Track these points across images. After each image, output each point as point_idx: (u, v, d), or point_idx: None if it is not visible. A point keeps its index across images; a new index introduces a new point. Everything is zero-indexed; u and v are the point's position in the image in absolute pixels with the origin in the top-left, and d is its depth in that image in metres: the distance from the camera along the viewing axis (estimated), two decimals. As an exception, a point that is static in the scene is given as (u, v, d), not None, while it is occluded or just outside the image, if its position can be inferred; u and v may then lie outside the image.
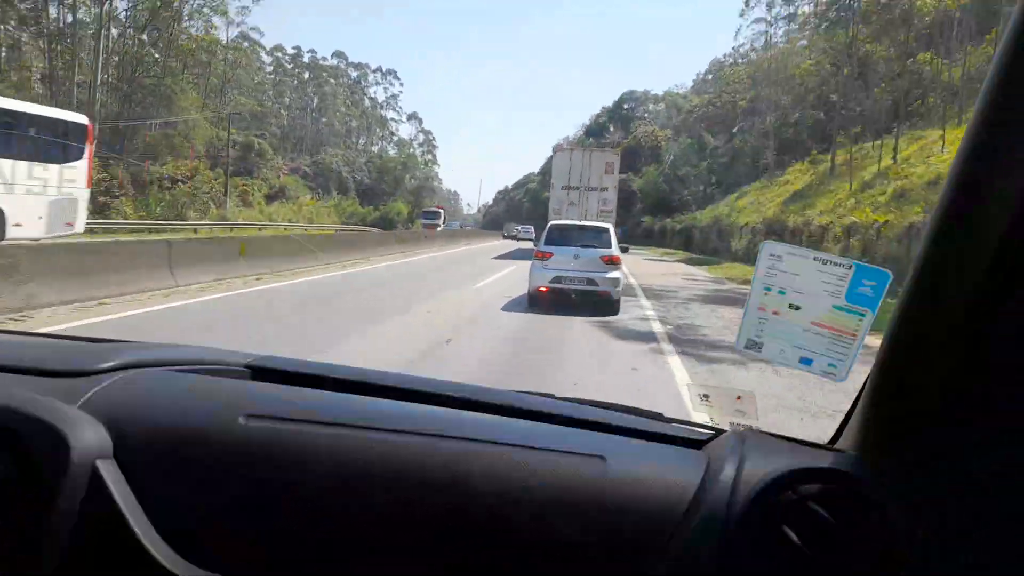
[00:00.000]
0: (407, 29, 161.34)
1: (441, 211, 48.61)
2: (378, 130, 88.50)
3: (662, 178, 56.54)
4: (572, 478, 0.78)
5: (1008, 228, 0.60)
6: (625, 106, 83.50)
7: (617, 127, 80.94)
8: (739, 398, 0.95)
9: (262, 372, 1.09)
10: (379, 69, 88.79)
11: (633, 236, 50.66)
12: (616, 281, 9.95)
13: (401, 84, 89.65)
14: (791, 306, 0.87)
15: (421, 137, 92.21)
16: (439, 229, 39.95)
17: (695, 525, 0.73)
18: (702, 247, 37.15)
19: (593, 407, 1.02)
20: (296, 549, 0.78)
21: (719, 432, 0.92)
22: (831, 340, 0.85)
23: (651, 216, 53.27)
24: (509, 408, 0.96)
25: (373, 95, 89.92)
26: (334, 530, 0.78)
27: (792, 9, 48.24)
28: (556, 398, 1.08)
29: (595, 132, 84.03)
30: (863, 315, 0.83)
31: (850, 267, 0.83)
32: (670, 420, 1.01)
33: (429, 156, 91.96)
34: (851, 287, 0.83)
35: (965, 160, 0.63)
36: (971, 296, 0.65)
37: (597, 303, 9.92)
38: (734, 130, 50.26)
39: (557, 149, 24.91)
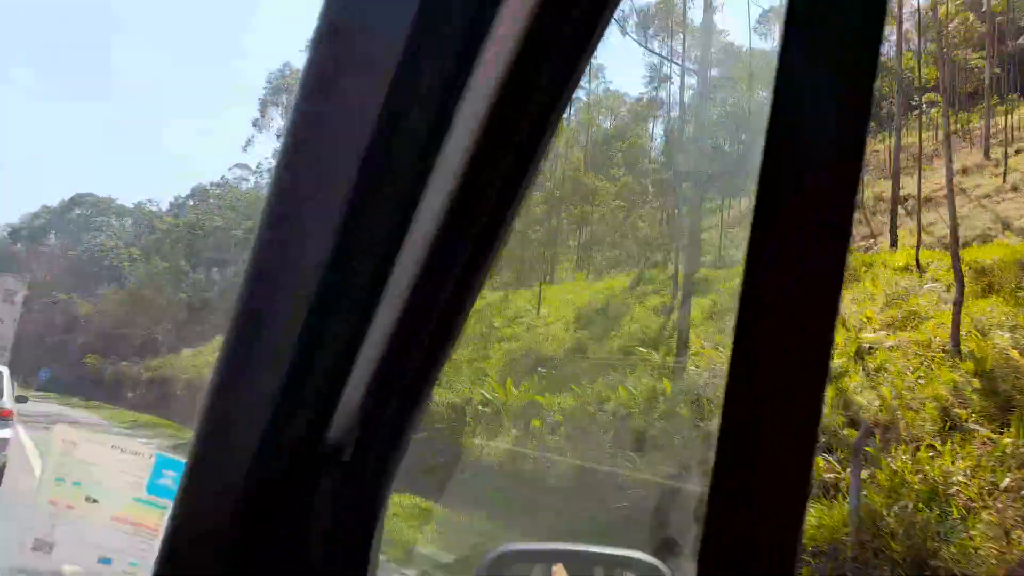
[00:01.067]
0: None
1: None
2: None
3: (124, 307, 53.09)
4: None
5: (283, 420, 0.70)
6: (77, 211, 76.83)
7: (63, 235, 73.58)
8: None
9: None
10: None
11: (76, 386, 44.78)
12: (3, 443, 9.38)
13: None
14: (88, 499, 0.93)
15: None
16: None
17: None
18: (189, 412, 29.55)
19: None
20: None
21: None
22: (132, 536, 0.94)
23: (99, 356, 48.37)
24: None
25: None
26: None
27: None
28: None
29: (30, 237, 74.33)
30: (165, 508, 0.95)
31: (151, 457, 0.95)
32: None
33: None
34: (152, 478, 0.94)
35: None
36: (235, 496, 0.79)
37: None
38: (223, 264, 51.25)
39: None
